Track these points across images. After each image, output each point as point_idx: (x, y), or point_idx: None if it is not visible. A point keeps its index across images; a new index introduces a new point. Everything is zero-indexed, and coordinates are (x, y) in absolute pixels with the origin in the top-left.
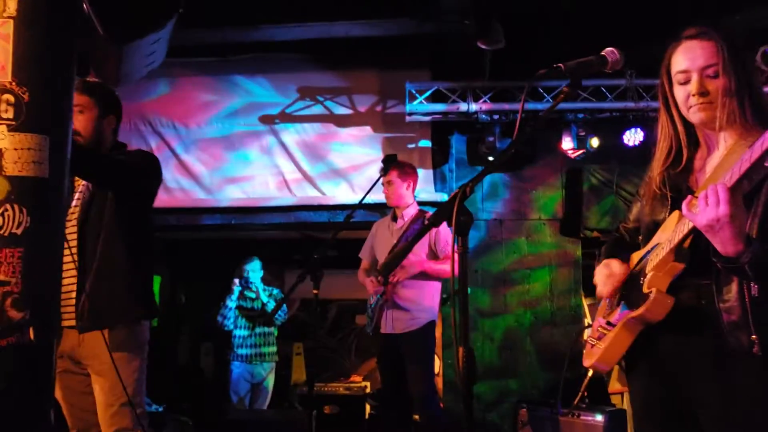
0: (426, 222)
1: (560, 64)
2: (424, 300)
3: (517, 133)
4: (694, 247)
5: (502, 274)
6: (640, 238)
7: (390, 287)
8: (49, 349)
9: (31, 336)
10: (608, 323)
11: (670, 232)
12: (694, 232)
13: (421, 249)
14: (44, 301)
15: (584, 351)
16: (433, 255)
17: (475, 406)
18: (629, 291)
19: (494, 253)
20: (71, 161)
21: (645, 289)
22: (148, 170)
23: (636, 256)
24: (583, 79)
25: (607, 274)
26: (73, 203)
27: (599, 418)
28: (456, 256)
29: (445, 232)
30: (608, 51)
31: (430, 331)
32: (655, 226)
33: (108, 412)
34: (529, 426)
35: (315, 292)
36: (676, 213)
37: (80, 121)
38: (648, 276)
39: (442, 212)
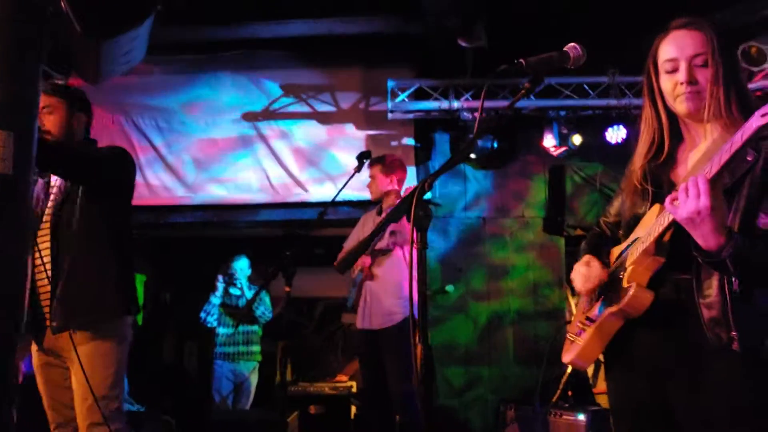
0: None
1: (521, 60)
2: (402, 291)
3: (477, 131)
4: (675, 242)
5: (485, 271)
6: (621, 232)
7: (371, 263)
8: (10, 347)
9: None
10: (588, 319)
11: (650, 226)
12: (675, 225)
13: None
14: (7, 299)
15: (564, 347)
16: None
17: (445, 394)
18: (609, 286)
19: (476, 251)
20: (39, 156)
21: (625, 284)
22: (116, 163)
23: (616, 251)
24: (547, 76)
25: (585, 274)
26: (49, 204)
27: (581, 417)
28: (415, 252)
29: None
30: (570, 47)
31: (407, 328)
32: (635, 220)
33: (83, 405)
34: (514, 424)
35: (287, 289)
36: (656, 206)
37: (50, 121)
38: (628, 270)
39: (401, 207)
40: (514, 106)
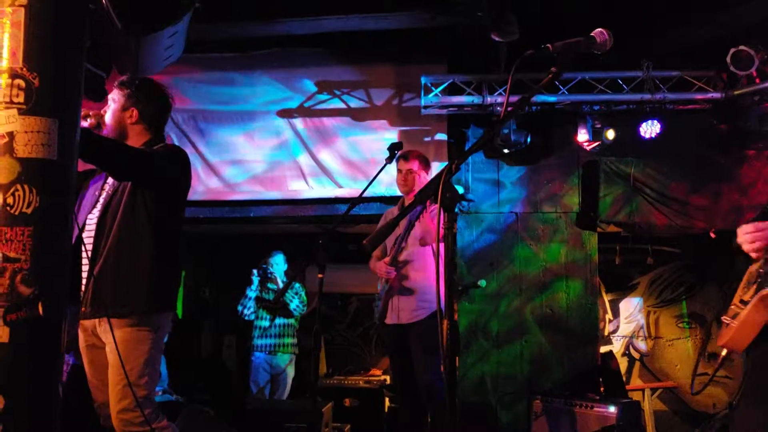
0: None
1: (548, 45)
2: (430, 286)
3: (504, 116)
4: None
5: (517, 268)
6: None
7: (396, 272)
8: (58, 324)
9: (40, 311)
10: (742, 301)
11: None
12: None
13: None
14: (52, 277)
15: (720, 330)
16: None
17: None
18: (766, 269)
19: (510, 246)
20: (82, 147)
21: None
22: (166, 163)
23: None
24: (570, 66)
25: (750, 230)
26: (104, 195)
27: (612, 409)
28: (442, 231)
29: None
30: (597, 32)
31: (435, 321)
32: None
33: (114, 390)
34: (543, 417)
35: (320, 276)
36: None
37: (108, 112)
38: None
39: (428, 189)
40: (545, 97)
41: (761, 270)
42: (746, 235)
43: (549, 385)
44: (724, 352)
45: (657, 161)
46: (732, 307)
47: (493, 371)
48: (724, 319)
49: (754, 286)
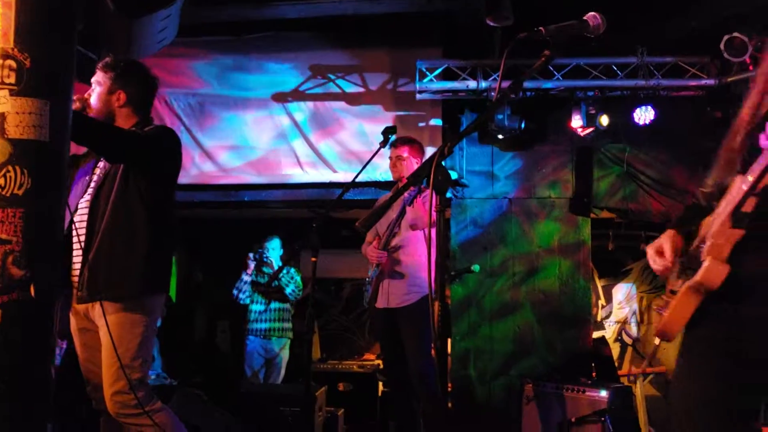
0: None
1: (540, 28)
2: (421, 271)
3: (496, 100)
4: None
5: (510, 252)
6: (715, 202)
7: (387, 257)
8: (50, 306)
9: (32, 293)
10: (672, 292)
11: (730, 196)
12: (759, 195)
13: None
14: (45, 259)
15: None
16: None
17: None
18: (693, 258)
19: (504, 231)
20: (75, 129)
21: (702, 257)
22: (158, 144)
23: (706, 223)
24: (565, 46)
25: (653, 254)
26: (95, 179)
27: (603, 393)
28: (434, 214)
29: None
30: (590, 15)
31: (426, 305)
32: (722, 190)
33: (108, 372)
34: (534, 401)
35: (313, 260)
36: (738, 176)
37: (93, 95)
38: (707, 244)
39: (421, 171)
40: (540, 82)
41: (689, 259)
42: (650, 254)
43: (541, 367)
44: (657, 341)
45: (651, 147)
46: (663, 297)
47: (484, 347)
48: (656, 309)
49: (683, 277)
